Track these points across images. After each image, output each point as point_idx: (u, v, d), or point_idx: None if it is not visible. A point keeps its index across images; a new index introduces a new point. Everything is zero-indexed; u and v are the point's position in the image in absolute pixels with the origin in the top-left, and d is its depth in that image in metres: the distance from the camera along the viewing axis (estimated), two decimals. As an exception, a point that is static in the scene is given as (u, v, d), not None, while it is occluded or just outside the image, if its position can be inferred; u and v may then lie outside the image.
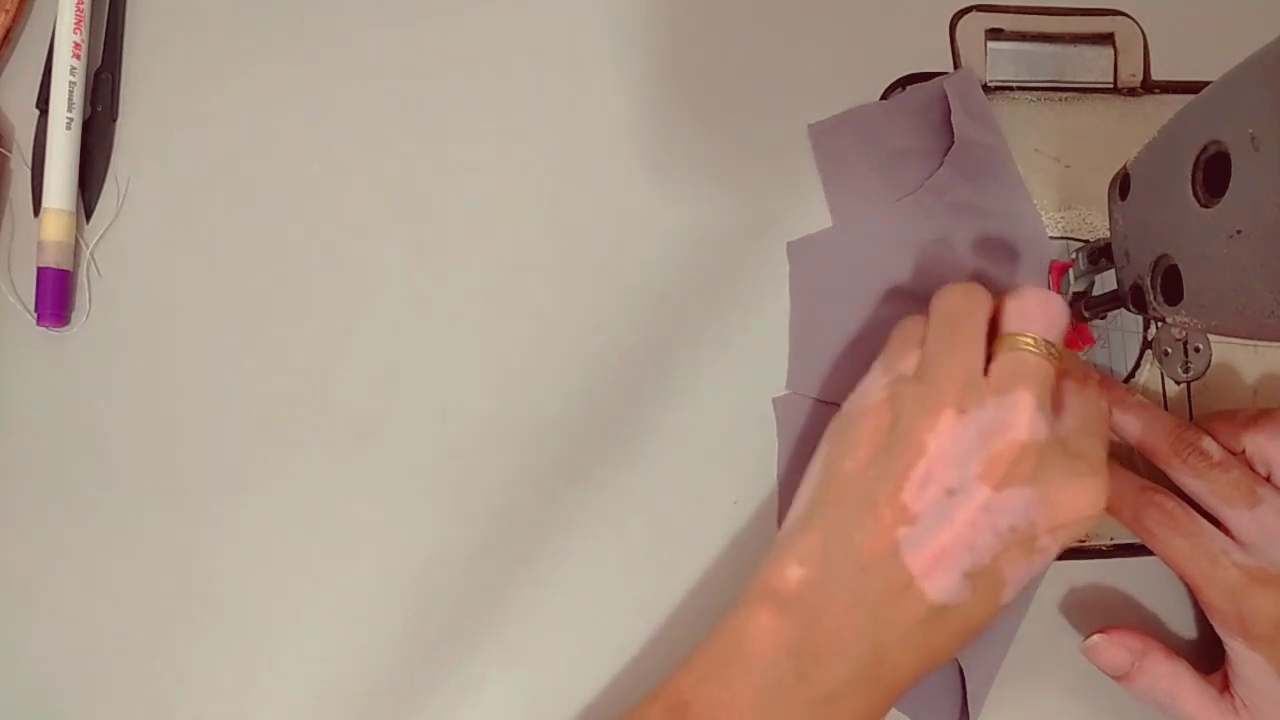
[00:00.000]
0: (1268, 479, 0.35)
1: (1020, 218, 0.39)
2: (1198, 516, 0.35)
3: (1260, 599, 0.33)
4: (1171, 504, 0.35)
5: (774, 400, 0.38)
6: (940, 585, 0.30)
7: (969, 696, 0.35)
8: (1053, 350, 0.32)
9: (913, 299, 0.38)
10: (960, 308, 0.33)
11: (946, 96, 0.39)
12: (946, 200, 0.39)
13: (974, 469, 0.30)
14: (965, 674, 0.35)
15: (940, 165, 0.39)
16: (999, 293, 0.33)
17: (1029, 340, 0.31)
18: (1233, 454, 0.35)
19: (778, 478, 0.38)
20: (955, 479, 0.30)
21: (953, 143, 0.38)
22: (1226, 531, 0.34)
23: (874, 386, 0.33)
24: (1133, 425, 0.36)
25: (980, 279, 0.38)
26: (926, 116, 0.40)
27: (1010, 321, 0.32)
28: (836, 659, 0.30)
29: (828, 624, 0.30)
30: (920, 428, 0.31)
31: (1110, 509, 0.36)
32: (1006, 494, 0.30)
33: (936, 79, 0.40)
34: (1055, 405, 0.32)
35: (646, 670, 0.36)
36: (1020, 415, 0.30)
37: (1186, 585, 0.36)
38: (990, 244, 0.39)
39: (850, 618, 0.30)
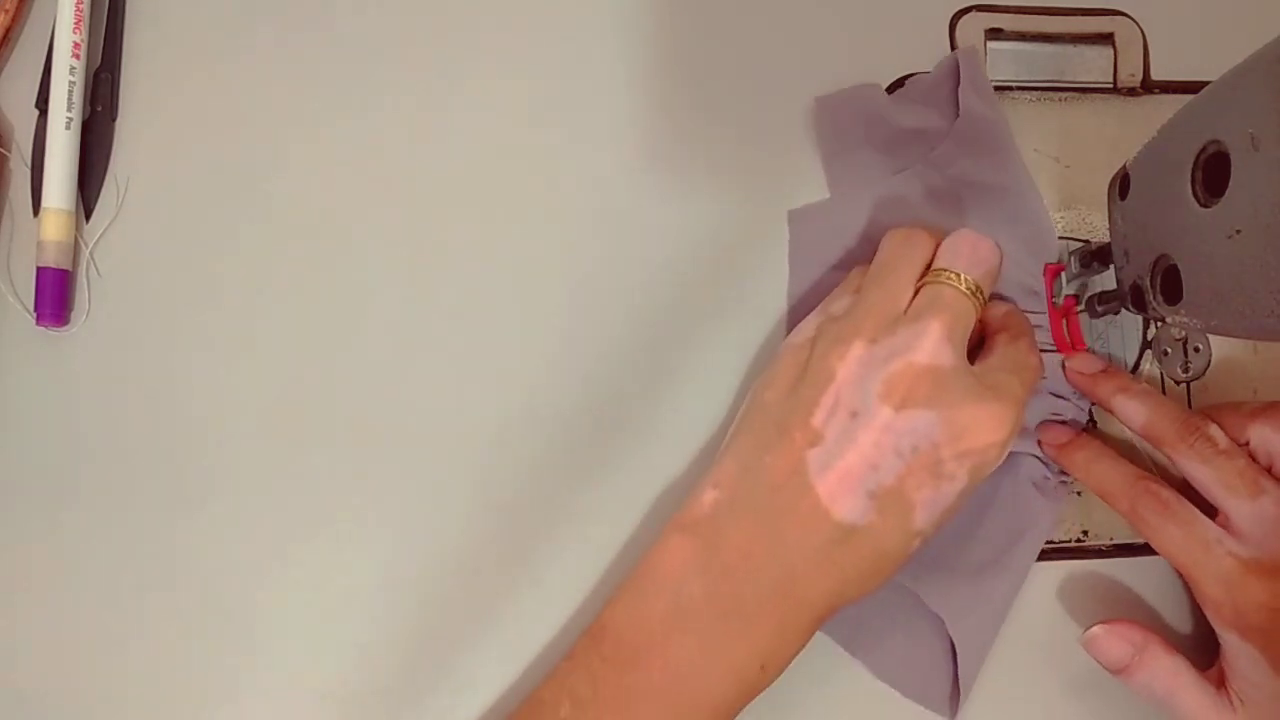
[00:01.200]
0: (1270, 470, 0.35)
1: (1021, 194, 0.39)
2: (1193, 506, 0.35)
3: (1254, 589, 0.33)
4: (1167, 493, 0.35)
5: (789, 212, 0.39)
6: (845, 505, 0.31)
7: (960, 673, 0.35)
8: (974, 289, 0.33)
9: None
10: (896, 250, 0.34)
11: (950, 78, 0.39)
12: (948, 174, 0.39)
13: (874, 389, 0.31)
14: (957, 651, 0.35)
15: (944, 139, 0.39)
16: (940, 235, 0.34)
17: (951, 275, 0.33)
18: (1236, 444, 0.35)
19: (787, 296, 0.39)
20: (859, 402, 0.31)
21: (957, 119, 0.39)
22: (1224, 522, 0.34)
23: (807, 325, 0.35)
24: (1138, 411, 0.36)
25: None
26: (932, 97, 0.40)
27: (939, 259, 0.33)
28: (746, 576, 0.31)
29: (736, 541, 0.31)
30: (831, 356, 0.32)
31: (1107, 498, 0.36)
32: (906, 415, 0.31)
33: (944, 59, 0.40)
34: (984, 351, 0.34)
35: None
36: (925, 341, 0.31)
37: (1181, 576, 0.36)
38: (990, 218, 0.39)
39: (759, 536, 0.31)
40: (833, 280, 0.38)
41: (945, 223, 0.39)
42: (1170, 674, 0.35)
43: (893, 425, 0.31)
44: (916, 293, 0.33)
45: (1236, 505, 0.34)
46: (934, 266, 0.33)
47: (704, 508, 0.32)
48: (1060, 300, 0.38)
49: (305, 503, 0.36)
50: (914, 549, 0.32)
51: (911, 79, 0.40)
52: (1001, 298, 0.38)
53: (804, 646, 0.32)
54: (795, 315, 0.39)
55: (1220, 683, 0.35)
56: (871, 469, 0.31)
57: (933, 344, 0.31)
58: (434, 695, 0.35)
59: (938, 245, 0.34)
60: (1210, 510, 0.35)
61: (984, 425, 0.31)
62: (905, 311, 0.32)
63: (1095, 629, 0.36)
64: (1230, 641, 0.34)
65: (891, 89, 0.40)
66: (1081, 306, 0.37)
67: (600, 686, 0.31)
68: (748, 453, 0.33)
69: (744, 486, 0.32)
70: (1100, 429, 0.39)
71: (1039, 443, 0.38)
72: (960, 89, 0.39)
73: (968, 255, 0.33)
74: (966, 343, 0.32)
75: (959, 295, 0.32)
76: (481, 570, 0.36)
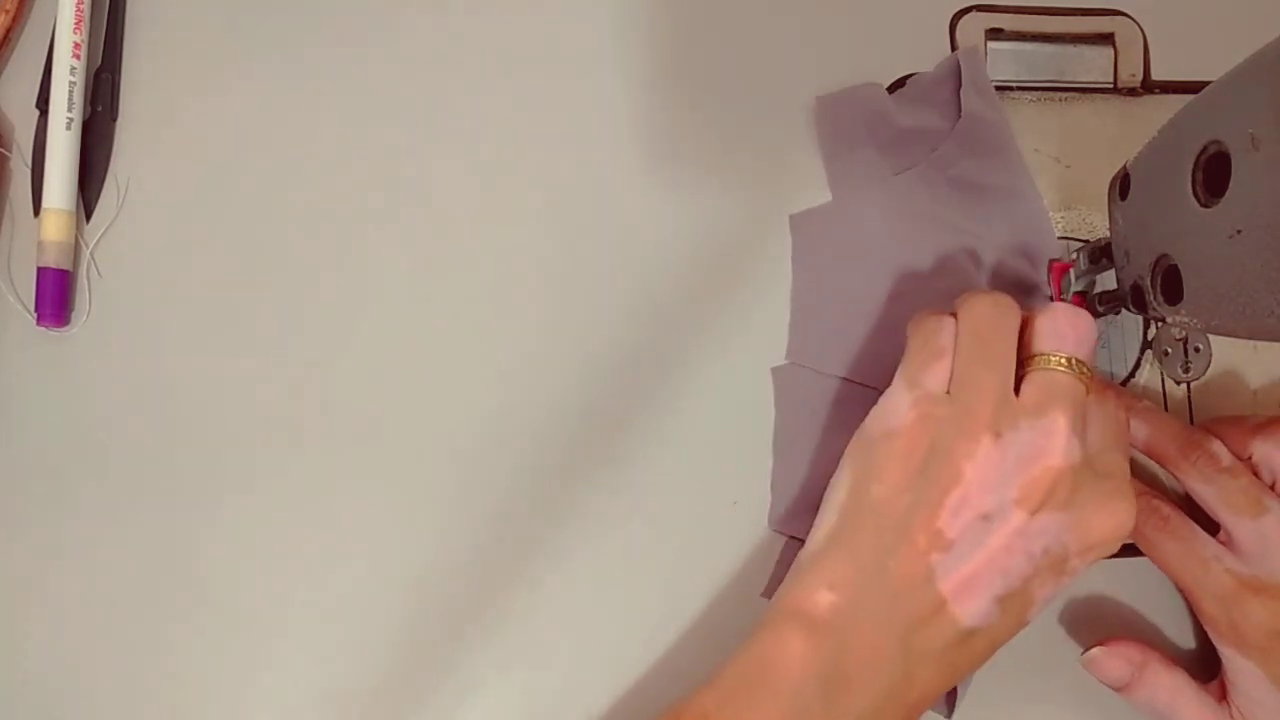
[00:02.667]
0: (1272, 487, 0.35)
1: (1021, 195, 0.39)
2: (1192, 522, 0.35)
3: (1253, 607, 0.33)
4: (1167, 509, 0.35)
5: (772, 370, 0.38)
6: (972, 610, 0.30)
7: None
8: (1083, 370, 0.31)
9: (913, 271, 0.38)
10: (990, 320, 0.32)
11: (952, 77, 0.39)
12: (949, 174, 0.39)
13: (1010, 495, 0.30)
14: None
15: (945, 140, 0.39)
16: (1027, 306, 0.32)
17: (1061, 360, 0.31)
18: (1239, 459, 0.35)
19: (773, 450, 0.38)
20: (991, 504, 0.30)
21: (958, 120, 0.38)
22: (1226, 539, 0.34)
23: (900, 403, 0.32)
24: (1139, 429, 0.36)
25: (980, 249, 0.38)
26: (933, 97, 0.40)
27: (1042, 340, 0.31)
28: (865, 684, 0.30)
29: (858, 650, 0.30)
30: (958, 454, 0.30)
31: None
32: (1041, 519, 0.30)
33: (945, 59, 0.40)
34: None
35: (645, 670, 0.36)
36: (1056, 440, 0.30)
37: (1181, 592, 0.36)
38: (991, 219, 0.39)
39: (881, 644, 0.30)
40: (837, 282, 0.38)
41: (948, 226, 0.39)
42: (1171, 690, 0.35)
43: (1027, 529, 0.30)
44: (1019, 375, 0.31)
45: (1239, 523, 0.34)
46: (1039, 348, 0.31)
47: (820, 609, 0.30)
48: (1069, 298, 0.38)
49: (305, 503, 0.36)
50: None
51: (913, 78, 0.40)
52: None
53: None
54: (799, 315, 0.39)
55: (1222, 696, 0.35)
56: (1001, 574, 0.30)
57: (1063, 444, 0.30)
58: (434, 695, 0.35)
59: (1022, 314, 0.32)
60: (1212, 527, 0.35)
61: (1111, 521, 0.30)
62: (1017, 394, 0.31)
63: (1094, 650, 0.36)
64: (1230, 658, 0.34)
65: (892, 89, 0.40)
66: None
67: None
68: (865, 554, 0.31)
69: (866, 592, 0.30)
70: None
71: None
72: (962, 89, 0.39)
73: (1073, 337, 0.31)
74: (1083, 427, 0.31)
75: (1075, 384, 0.31)
76: (481, 570, 0.36)
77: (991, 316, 0.32)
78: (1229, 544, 0.34)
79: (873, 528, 0.31)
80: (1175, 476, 0.36)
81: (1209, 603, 0.34)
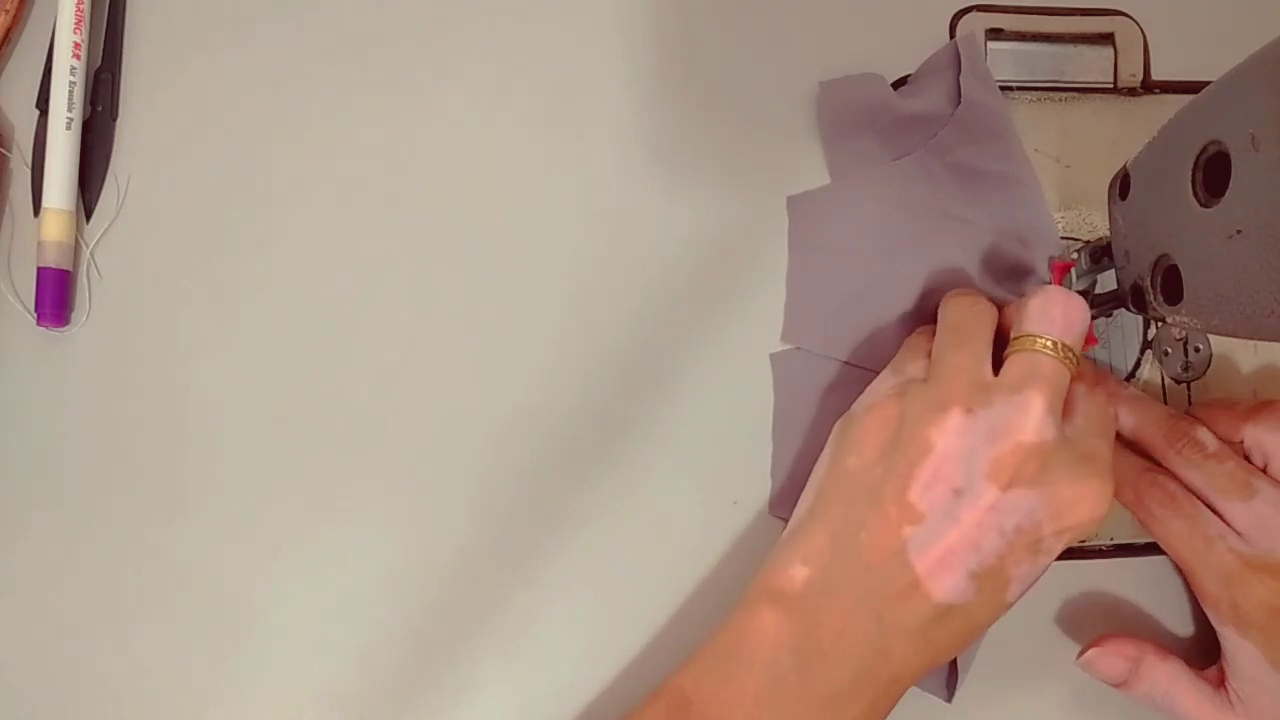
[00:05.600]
0: (1264, 470, 0.35)
1: (1020, 181, 0.39)
2: (1198, 501, 0.35)
3: (1253, 585, 0.33)
4: (1174, 486, 0.35)
5: (771, 357, 0.38)
6: (946, 585, 0.30)
7: (958, 658, 0.35)
8: (1069, 354, 0.31)
9: (909, 255, 0.38)
10: (966, 314, 0.33)
11: (951, 65, 0.39)
12: (948, 160, 0.39)
13: (981, 469, 0.30)
14: None
15: (944, 126, 0.39)
16: (1021, 291, 0.33)
17: (1046, 342, 0.31)
18: (1231, 444, 0.35)
19: (772, 435, 0.38)
20: (962, 478, 0.30)
21: (958, 107, 0.39)
22: (1225, 520, 0.35)
23: (882, 387, 0.33)
24: (1126, 418, 0.37)
25: (978, 236, 0.39)
26: (934, 84, 0.40)
27: (1029, 321, 0.32)
28: (840, 658, 0.30)
29: (832, 623, 0.30)
30: (927, 424, 0.31)
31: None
32: (1013, 494, 0.30)
33: (944, 45, 0.40)
34: (1065, 407, 0.32)
35: (645, 670, 0.36)
36: (1029, 417, 0.30)
37: (1181, 571, 0.36)
38: (989, 205, 0.39)
39: (855, 617, 0.30)
40: (833, 265, 0.39)
41: (945, 210, 0.39)
42: (1168, 679, 0.35)
43: (998, 505, 0.30)
44: (1003, 357, 0.32)
45: (1230, 507, 0.34)
46: (1025, 330, 0.32)
47: (794, 583, 0.31)
48: None
49: (305, 503, 0.36)
50: (1000, 617, 0.31)
51: (918, 70, 0.41)
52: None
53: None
54: (795, 297, 0.39)
55: (1219, 681, 0.35)
56: (974, 549, 0.30)
57: (1037, 420, 0.30)
58: (434, 695, 0.35)
59: (998, 309, 0.33)
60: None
61: (1086, 502, 0.30)
62: (995, 377, 0.31)
63: (1090, 652, 0.36)
64: (1229, 638, 0.34)
65: (893, 88, 0.40)
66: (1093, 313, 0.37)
67: None
68: (839, 526, 0.31)
69: (838, 564, 0.31)
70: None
71: None
72: (961, 76, 0.39)
73: (1061, 320, 0.31)
74: (1062, 410, 0.31)
75: (1057, 366, 0.31)
76: (481, 570, 0.36)
77: (968, 311, 0.33)
78: (1230, 525, 0.34)
79: (846, 500, 0.31)
80: (1163, 464, 0.36)
81: (1211, 582, 0.34)
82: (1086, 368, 0.35)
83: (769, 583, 0.31)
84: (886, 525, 0.30)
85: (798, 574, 0.31)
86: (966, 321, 0.33)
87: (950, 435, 0.30)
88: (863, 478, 0.31)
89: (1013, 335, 0.32)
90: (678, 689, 0.31)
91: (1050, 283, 0.38)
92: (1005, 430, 0.30)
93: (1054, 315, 0.32)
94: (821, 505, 0.32)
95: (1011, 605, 0.31)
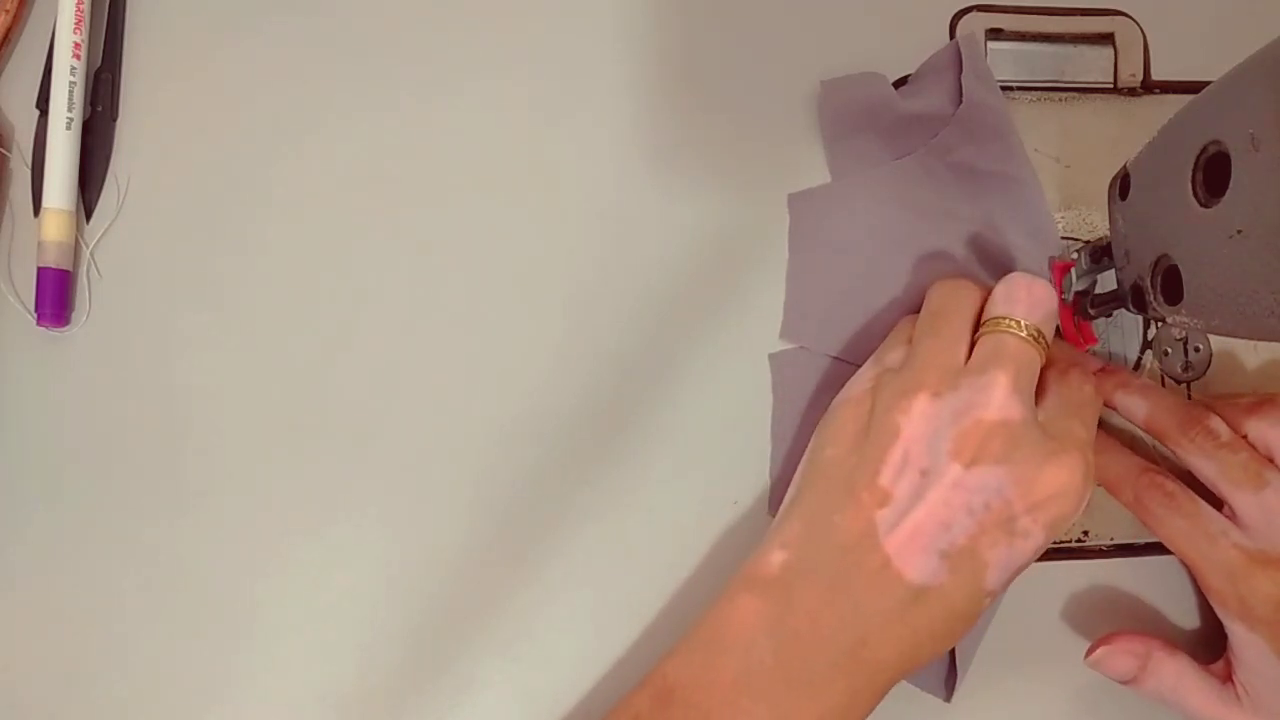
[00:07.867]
0: (1270, 463, 0.35)
1: (1021, 181, 0.39)
2: (1198, 498, 0.35)
3: (1260, 580, 0.33)
4: (1172, 485, 0.35)
5: (770, 356, 0.38)
6: (917, 564, 0.30)
7: (957, 657, 0.35)
8: (1036, 335, 0.32)
9: (909, 255, 0.38)
10: (946, 299, 0.34)
11: (952, 65, 0.39)
12: (949, 160, 0.39)
13: (945, 447, 0.30)
14: None
15: (945, 126, 0.39)
16: (988, 287, 0.34)
17: (1011, 323, 0.32)
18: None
19: (771, 435, 0.38)
20: (928, 459, 0.30)
21: (959, 106, 0.39)
22: (1230, 514, 0.35)
23: (862, 377, 0.34)
24: (1139, 406, 0.37)
25: (978, 235, 0.39)
26: (935, 84, 0.40)
27: (994, 306, 0.33)
28: (816, 640, 0.30)
29: (807, 605, 0.30)
30: (894, 410, 0.31)
31: (1112, 489, 0.36)
32: (977, 472, 0.30)
33: (945, 45, 0.40)
34: (1039, 391, 0.33)
35: (645, 670, 0.36)
36: (992, 395, 0.30)
37: (1187, 568, 0.36)
38: (989, 205, 0.39)
39: (830, 600, 0.30)
40: (833, 263, 0.39)
41: (946, 210, 0.39)
42: (1175, 675, 0.35)
43: (963, 482, 0.30)
44: (974, 342, 0.32)
45: (1240, 498, 0.34)
46: (991, 314, 0.32)
47: (772, 568, 0.31)
48: (1070, 297, 0.38)
49: (305, 503, 0.36)
50: (985, 607, 0.31)
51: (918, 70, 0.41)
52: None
53: (874, 710, 0.31)
54: (794, 294, 0.39)
55: (1227, 676, 0.35)
56: (943, 528, 0.30)
57: (1001, 398, 0.30)
58: (434, 695, 0.35)
59: (985, 294, 0.34)
60: (1216, 502, 0.35)
61: (1057, 478, 0.30)
62: (965, 362, 0.32)
63: (1099, 650, 0.36)
64: (1237, 633, 0.34)
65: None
66: (1093, 313, 0.37)
67: None
68: (814, 512, 0.32)
69: (812, 548, 0.31)
70: (1104, 420, 0.39)
71: None
72: (963, 75, 0.39)
73: (1025, 301, 0.32)
74: (1033, 392, 0.32)
75: (1022, 344, 0.31)
76: (481, 570, 0.36)
77: (949, 296, 0.34)
78: (1233, 519, 0.34)
79: (823, 489, 0.32)
80: (1175, 453, 0.36)
81: (1216, 578, 0.34)
82: (1064, 353, 0.35)
83: (749, 571, 0.32)
84: (859, 509, 0.31)
85: (775, 559, 0.31)
86: (945, 307, 0.33)
87: (916, 419, 0.31)
88: (838, 466, 0.32)
89: (982, 321, 0.33)
90: (661, 676, 0.31)
91: (1050, 281, 0.39)
92: (968, 409, 0.30)
93: (1018, 297, 0.32)
94: (800, 495, 0.33)
95: (995, 594, 0.31)
